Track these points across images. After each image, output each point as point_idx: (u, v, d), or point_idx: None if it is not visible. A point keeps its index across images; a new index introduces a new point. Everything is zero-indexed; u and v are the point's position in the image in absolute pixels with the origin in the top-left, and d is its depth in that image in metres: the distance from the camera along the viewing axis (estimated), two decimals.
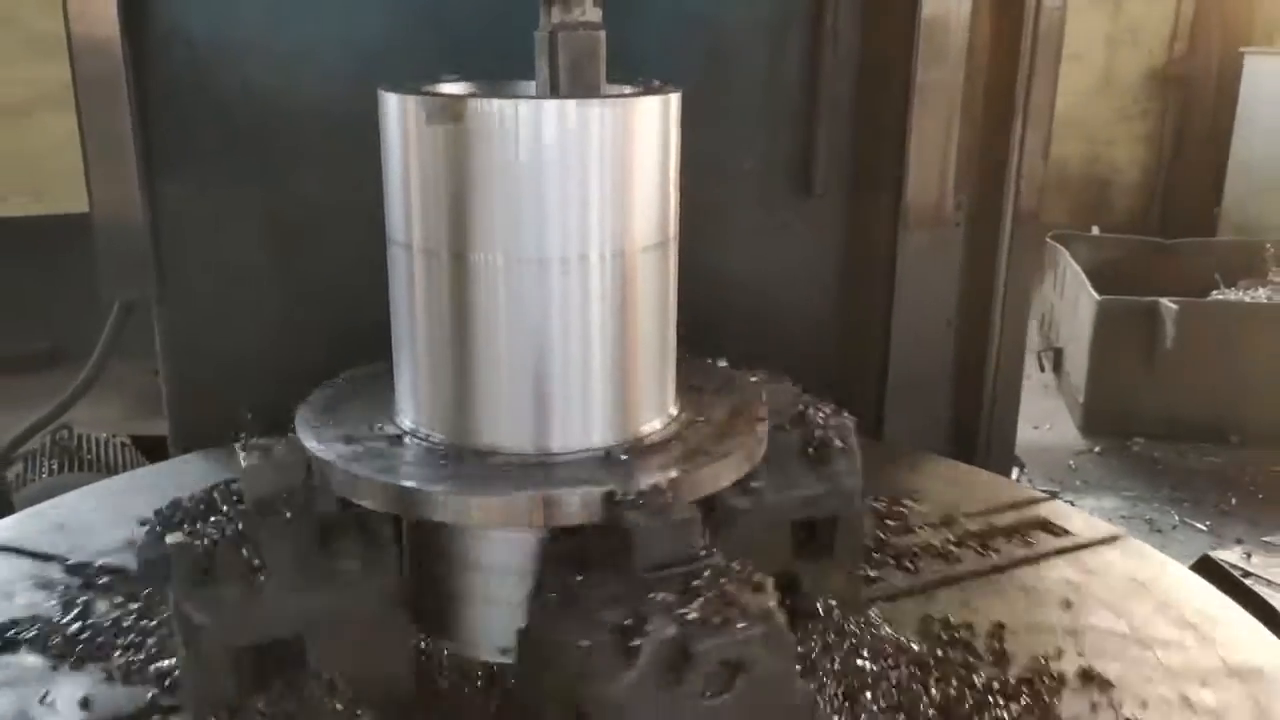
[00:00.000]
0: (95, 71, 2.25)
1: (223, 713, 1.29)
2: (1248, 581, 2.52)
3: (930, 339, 2.69)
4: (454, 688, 1.47)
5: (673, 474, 1.34)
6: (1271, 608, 1.85)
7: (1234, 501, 3.59)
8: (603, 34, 1.41)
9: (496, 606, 1.41)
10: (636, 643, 1.15)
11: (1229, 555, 2.77)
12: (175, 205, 2.36)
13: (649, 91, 1.41)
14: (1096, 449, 4.43)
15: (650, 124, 1.39)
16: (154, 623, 1.63)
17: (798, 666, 1.30)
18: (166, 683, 1.51)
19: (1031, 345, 5.41)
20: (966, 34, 2.48)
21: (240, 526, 1.32)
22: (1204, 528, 3.48)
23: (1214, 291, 5.00)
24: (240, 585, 1.28)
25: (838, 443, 1.65)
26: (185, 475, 2.17)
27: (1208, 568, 2.04)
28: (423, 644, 1.48)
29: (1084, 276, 4.69)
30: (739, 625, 1.18)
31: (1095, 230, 5.81)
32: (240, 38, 2.28)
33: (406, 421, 1.48)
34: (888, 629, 1.61)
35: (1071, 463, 4.25)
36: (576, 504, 1.31)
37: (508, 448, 1.40)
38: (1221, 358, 4.31)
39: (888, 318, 2.63)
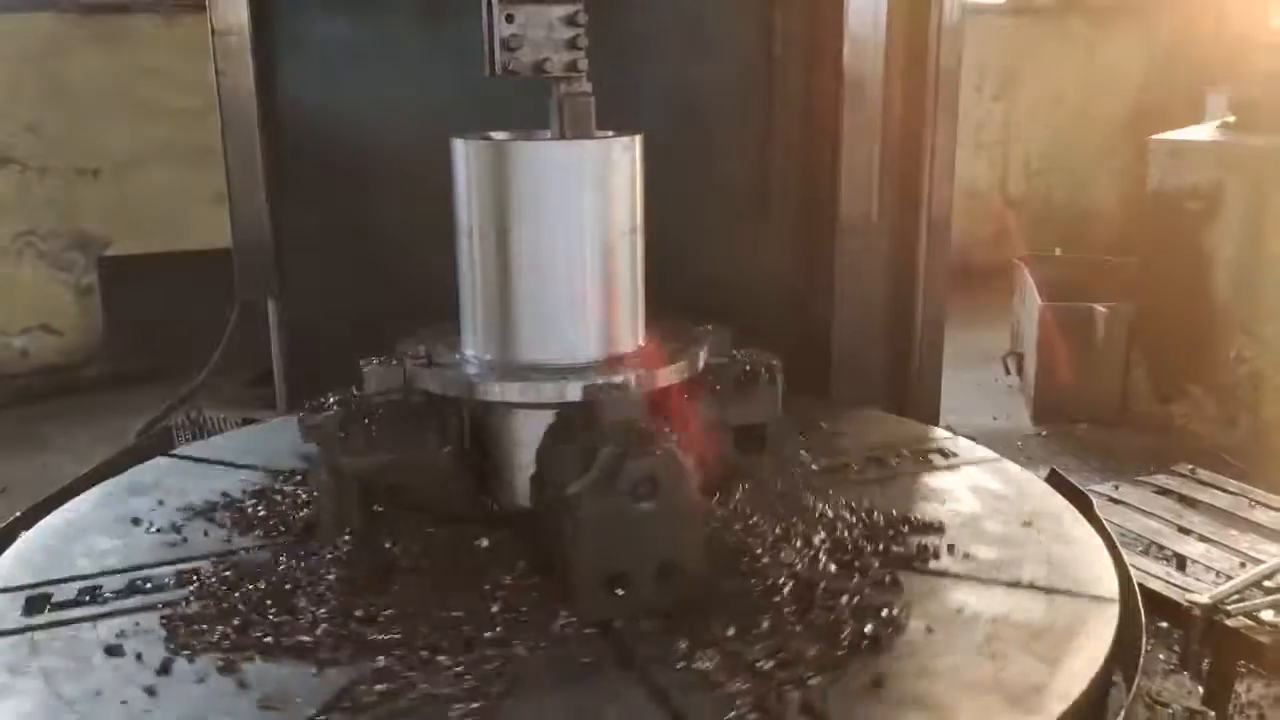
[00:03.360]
0: (238, 128, 3.09)
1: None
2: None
3: (865, 320, 3.44)
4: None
5: (632, 374, 2.14)
6: (1088, 498, 2.57)
7: (1152, 469, 4.18)
8: (592, 99, 2.21)
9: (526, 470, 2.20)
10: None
11: (1100, 488, 3.49)
12: (293, 226, 3.20)
13: (621, 135, 2.22)
14: (1043, 433, 5.15)
15: (623, 154, 2.20)
16: None
17: (695, 488, 1.97)
18: None
19: (1001, 351, 6.14)
20: (881, 88, 3.26)
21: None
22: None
23: None
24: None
25: (764, 373, 2.45)
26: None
27: (1055, 479, 2.75)
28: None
29: (1034, 287, 5.43)
30: (654, 452, 1.92)
31: (1058, 251, 6.54)
32: (341, 102, 3.13)
33: (469, 352, 2.28)
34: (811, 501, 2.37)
35: (1019, 443, 4.94)
36: (579, 391, 2.11)
37: (534, 360, 2.19)
38: (1147, 354, 5.03)
39: (831, 304, 3.39)
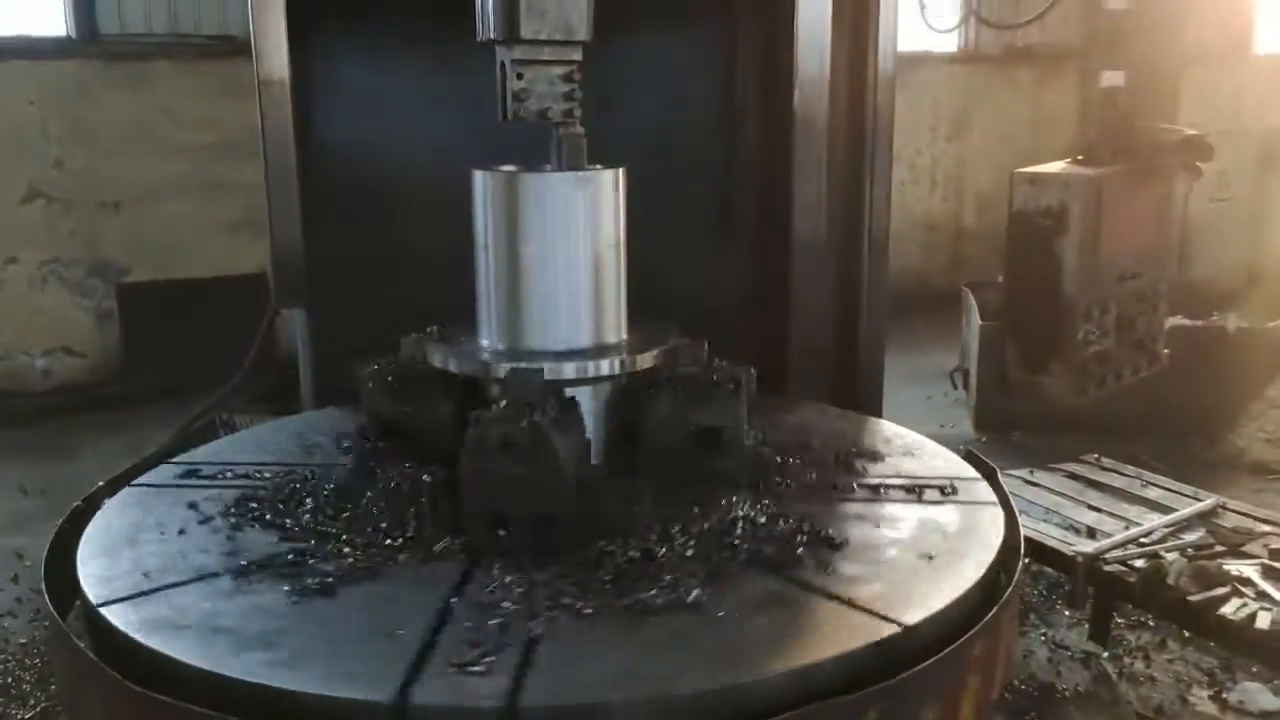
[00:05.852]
0: (278, 164, 3.61)
1: None
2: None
3: (817, 328, 3.99)
4: None
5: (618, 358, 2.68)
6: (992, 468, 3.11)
7: (1075, 469, 4.72)
8: (585, 139, 2.76)
9: None
10: None
11: (1017, 472, 4.04)
12: (323, 247, 3.71)
13: (608, 169, 2.77)
14: (983, 440, 5.72)
15: (609, 184, 2.75)
16: None
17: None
18: None
19: (949, 368, 6.72)
20: (826, 128, 3.83)
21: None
22: None
23: None
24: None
25: (729, 384, 2.84)
26: (329, 417, 3.52)
27: (970, 456, 3.30)
28: None
29: (976, 309, 6.02)
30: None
31: (1000, 279, 7.14)
32: (366, 144, 3.67)
33: (485, 342, 2.81)
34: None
35: (961, 447, 5.50)
36: (571, 370, 2.64)
37: (538, 348, 2.72)
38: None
39: (786, 316, 3.93)
